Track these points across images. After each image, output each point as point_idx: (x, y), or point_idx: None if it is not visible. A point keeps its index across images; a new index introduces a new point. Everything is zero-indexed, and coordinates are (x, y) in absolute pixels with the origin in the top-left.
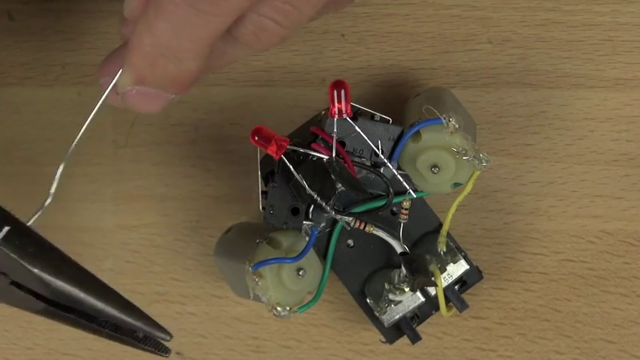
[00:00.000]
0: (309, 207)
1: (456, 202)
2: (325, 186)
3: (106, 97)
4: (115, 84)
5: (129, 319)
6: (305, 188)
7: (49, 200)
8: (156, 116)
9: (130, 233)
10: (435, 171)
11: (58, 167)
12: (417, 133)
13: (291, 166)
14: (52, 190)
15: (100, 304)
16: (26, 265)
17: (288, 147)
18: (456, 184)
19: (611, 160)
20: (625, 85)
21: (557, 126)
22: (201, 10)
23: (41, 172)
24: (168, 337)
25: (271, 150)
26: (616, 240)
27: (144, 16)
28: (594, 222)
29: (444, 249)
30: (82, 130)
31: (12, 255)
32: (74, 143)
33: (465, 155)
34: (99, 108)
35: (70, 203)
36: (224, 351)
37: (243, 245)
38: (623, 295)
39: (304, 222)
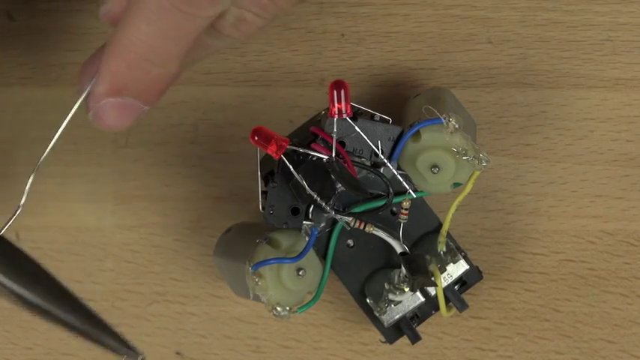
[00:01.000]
0: (309, 207)
1: (456, 202)
2: (325, 186)
3: (78, 107)
4: (88, 94)
5: (103, 339)
6: (305, 188)
7: (19, 211)
8: (156, 116)
9: (130, 233)
10: (435, 171)
11: (29, 178)
12: (417, 133)
13: (291, 166)
14: (22, 201)
15: (75, 322)
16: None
17: (288, 147)
18: (456, 184)
19: (611, 160)
20: (625, 85)
21: (557, 126)
22: (187, 11)
23: (41, 172)
24: (140, 358)
25: (271, 150)
26: (616, 240)
27: (125, 20)
28: (594, 222)
29: (444, 249)
30: (53, 142)
31: None
32: (45, 154)
33: (465, 155)
34: (70, 118)
35: (70, 203)
36: (224, 351)
37: (243, 245)
38: (623, 295)
39: (304, 222)
